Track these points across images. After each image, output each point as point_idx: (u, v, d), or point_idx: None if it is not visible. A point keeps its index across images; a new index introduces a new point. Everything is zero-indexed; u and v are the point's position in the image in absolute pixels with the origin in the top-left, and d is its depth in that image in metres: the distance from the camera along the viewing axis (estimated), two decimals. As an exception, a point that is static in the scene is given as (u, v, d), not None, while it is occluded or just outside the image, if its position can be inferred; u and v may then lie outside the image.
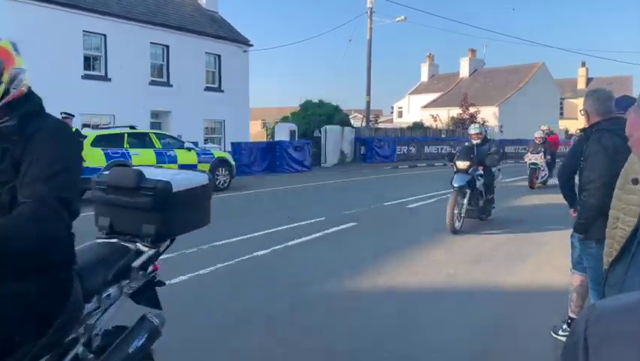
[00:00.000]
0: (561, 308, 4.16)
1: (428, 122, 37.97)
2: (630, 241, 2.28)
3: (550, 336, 4.03)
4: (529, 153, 15.58)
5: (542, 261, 6.50)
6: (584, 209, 3.49)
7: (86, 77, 18.27)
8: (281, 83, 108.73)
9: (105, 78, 18.83)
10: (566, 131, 45.90)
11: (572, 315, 3.99)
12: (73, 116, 11.62)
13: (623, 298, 0.79)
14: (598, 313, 0.78)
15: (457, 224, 8.14)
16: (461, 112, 36.95)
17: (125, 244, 2.30)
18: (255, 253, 6.74)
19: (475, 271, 6.05)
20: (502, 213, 10.30)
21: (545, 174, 15.43)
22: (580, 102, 4.29)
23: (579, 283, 3.90)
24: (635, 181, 2.70)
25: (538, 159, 15.05)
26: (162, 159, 12.96)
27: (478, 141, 9.01)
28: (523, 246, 7.41)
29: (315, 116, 26.83)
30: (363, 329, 4.22)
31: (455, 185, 8.18)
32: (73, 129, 11.28)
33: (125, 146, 12.41)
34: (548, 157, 15.37)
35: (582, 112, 3.66)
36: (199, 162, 13.86)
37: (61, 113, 11.30)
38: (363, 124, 30.46)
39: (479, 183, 8.66)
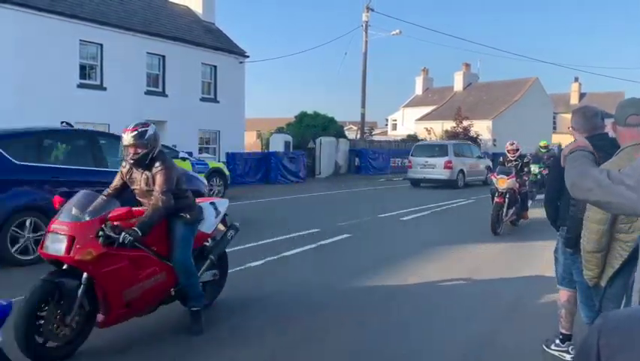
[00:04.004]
0: (553, 321, 4.18)
1: (422, 134, 38.15)
2: (633, 256, 2.30)
3: (542, 349, 4.05)
4: None
5: (536, 274, 6.53)
6: (572, 224, 3.52)
7: (81, 85, 18.27)
8: (276, 94, 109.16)
9: (101, 87, 18.84)
10: (559, 146, 46.18)
11: (563, 331, 3.99)
12: (72, 127, 11.57)
13: (633, 310, 0.81)
14: (610, 324, 0.79)
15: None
16: (455, 125, 37.18)
17: None
18: (248, 264, 6.74)
19: (469, 284, 6.07)
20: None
21: None
22: (573, 117, 4.33)
23: (566, 298, 3.93)
24: None
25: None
26: (157, 168, 12.93)
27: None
28: (517, 259, 7.44)
29: (310, 128, 26.93)
30: (357, 340, 4.23)
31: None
32: None
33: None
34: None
35: (570, 129, 3.71)
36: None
37: (61, 123, 11.23)
38: (358, 136, 30.59)
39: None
